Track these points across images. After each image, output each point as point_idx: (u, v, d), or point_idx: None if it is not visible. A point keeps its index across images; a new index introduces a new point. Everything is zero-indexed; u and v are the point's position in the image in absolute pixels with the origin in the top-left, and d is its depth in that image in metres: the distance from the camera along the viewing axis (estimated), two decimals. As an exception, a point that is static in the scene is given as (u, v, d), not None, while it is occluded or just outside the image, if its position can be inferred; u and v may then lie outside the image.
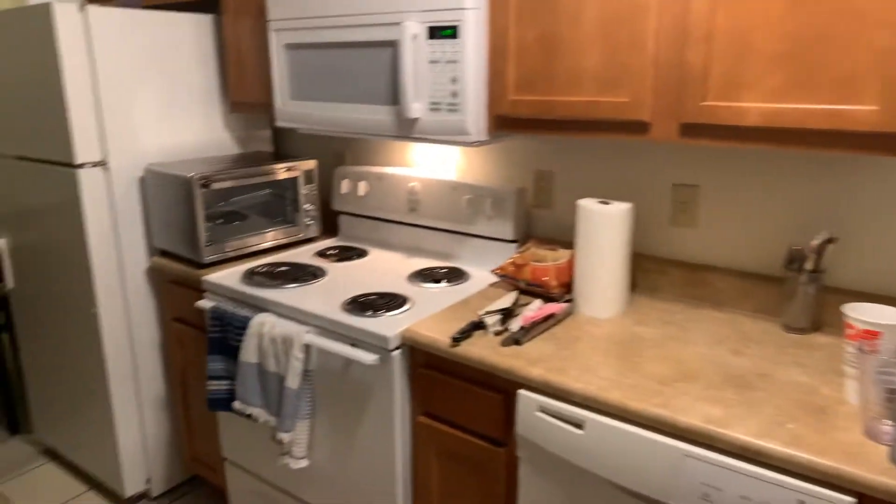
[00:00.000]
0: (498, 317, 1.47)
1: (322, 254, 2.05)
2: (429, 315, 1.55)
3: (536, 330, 1.43)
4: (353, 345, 1.53)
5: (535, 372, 1.27)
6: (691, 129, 1.31)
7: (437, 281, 1.78)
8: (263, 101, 2.06)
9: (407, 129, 1.66)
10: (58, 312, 2.19)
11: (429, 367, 1.47)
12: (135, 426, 2.16)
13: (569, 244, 1.81)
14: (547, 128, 1.50)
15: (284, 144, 2.52)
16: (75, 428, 2.31)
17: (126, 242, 2.03)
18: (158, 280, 2.13)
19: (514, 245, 1.84)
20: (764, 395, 1.19)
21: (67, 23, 1.83)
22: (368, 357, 1.46)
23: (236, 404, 1.71)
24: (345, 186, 2.17)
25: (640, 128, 1.37)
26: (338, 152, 2.35)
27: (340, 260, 2.00)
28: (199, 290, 1.93)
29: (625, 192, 1.72)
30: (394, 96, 1.66)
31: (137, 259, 2.07)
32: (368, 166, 2.17)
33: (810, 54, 1.15)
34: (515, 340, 1.38)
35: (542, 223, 1.89)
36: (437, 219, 1.98)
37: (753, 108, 1.21)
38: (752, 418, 1.11)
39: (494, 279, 1.79)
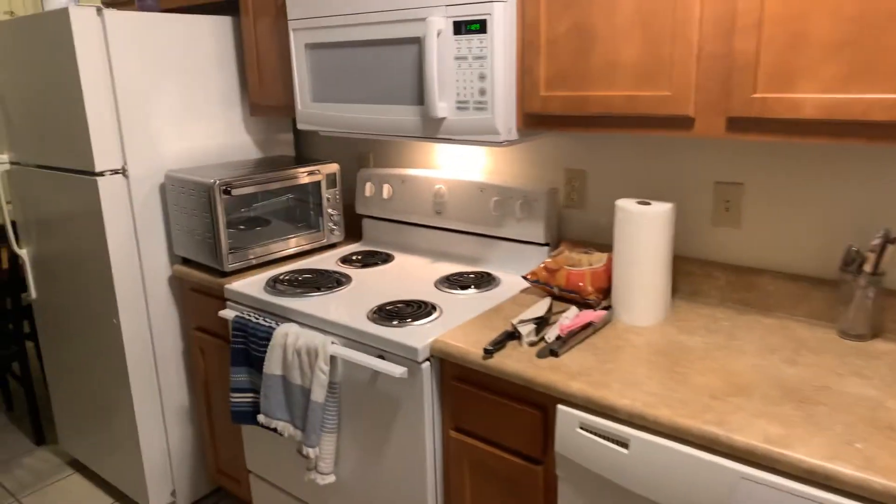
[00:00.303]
0: (532, 326, 1.39)
1: (346, 259, 1.99)
2: (459, 324, 1.47)
3: (574, 340, 1.35)
4: (380, 356, 1.46)
5: (576, 386, 1.19)
6: (740, 124, 1.21)
7: (466, 287, 1.71)
8: (284, 104, 2.00)
9: (433, 130, 1.59)
10: (80, 322, 2.16)
11: (460, 380, 1.40)
12: (158, 437, 2.12)
13: (604, 247, 1.72)
14: (581, 124, 1.41)
15: (306, 147, 2.46)
16: (99, 439, 2.29)
17: (147, 251, 2.00)
18: (180, 288, 2.09)
19: (545, 248, 1.76)
20: (826, 410, 1.09)
21: (84, 27, 1.79)
22: (397, 370, 1.39)
23: (261, 418, 1.66)
24: (368, 189, 2.11)
25: (683, 123, 1.28)
26: (361, 154, 2.29)
27: (365, 266, 1.93)
28: (221, 298, 1.88)
29: (663, 190, 1.63)
30: (418, 96, 1.59)
31: (159, 267, 2.03)
32: (392, 168, 2.10)
33: (873, 40, 1.05)
34: (552, 351, 1.30)
35: (574, 225, 1.80)
36: (464, 222, 1.91)
37: (809, 99, 1.12)
38: (816, 437, 1.01)
39: (526, 285, 1.71)
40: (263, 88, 2.06)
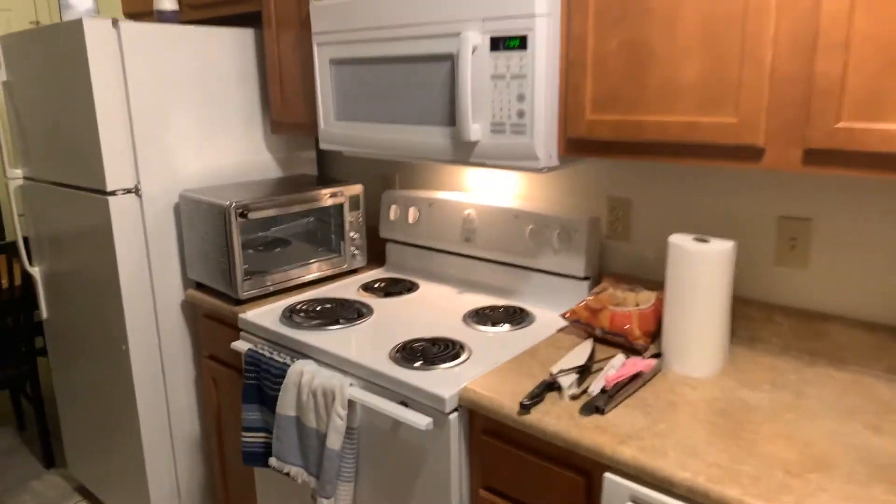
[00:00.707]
0: (574, 377, 1.25)
1: (368, 287, 1.86)
2: (491, 369, 1.33)
3: (621, 394, 1.20)
4: (403, 402, 1.32)
5: (627, 453, 1.04)
6: (819, 156, 1.06)
7: (497, 323, 1.57)
8: (307, 122, 1.89)
9: (465, 154, 1.46)
10: (89, 345, 2.06)
11: (492, 435, 1.25)
12: (167, 467, 2.01)
13: (651, 283, 1.57)
14: (631, 152, 1.27)
15: (329, 167, 2.35)
16: (106, 466, 2.18)
17: (159, 274, 1.89)
18: (193, 314, 1.98)
19: (585, 283, 1.61)
20: (925, 494, 0.93)
21: (98, 39, 1.70)
22: (422, 420, 1.25)
23: (273, 461, 1.53)
24: (393, 213, 1.99)
25: (751, 154, 1.13)
26: (386, 175, 2.17)
27: (388, 294, 1.80)
28: (235, 327, 1.76)
29: (718, 223, 1.48)
30: (450, 116, 1.46)
31: (171, 291, 1.92)
32: (419, 190, 1.97)
33: None
34: (597, 408, 1.16)
35: (617, 258, 1.65)
36: (495, 250, 1.77)
37: (906, 129, 0.97)
38: (919, 533, 0.85)
39: (563, 323, 1.57)
40: (286, 105, 1.95)
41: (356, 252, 1.98)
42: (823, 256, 1.35)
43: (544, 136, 1.33)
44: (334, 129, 1.73)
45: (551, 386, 1.24)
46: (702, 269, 1.25)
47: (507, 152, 1.38)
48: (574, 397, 1.21)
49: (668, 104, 1.19)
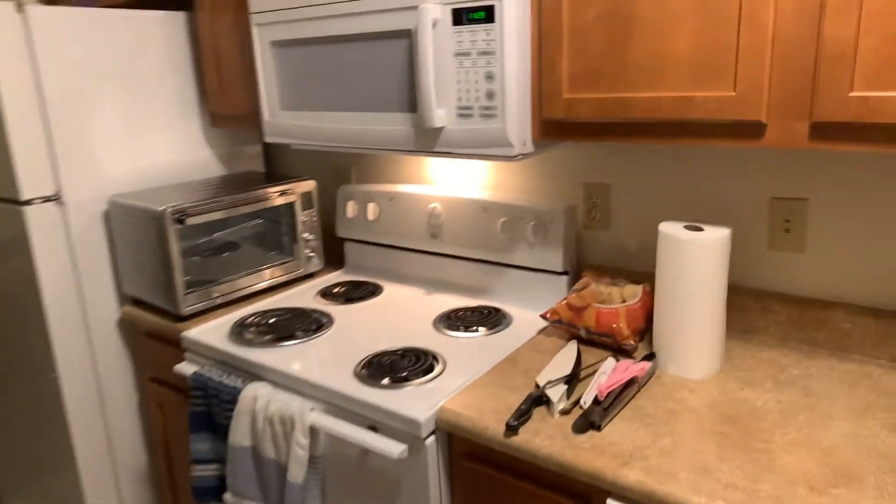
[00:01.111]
0: (563, 388, 1.11)
1: (327, 293, 1.70)
2: (469, 382, 1.19)
3: (616, 404, 1.08)
4: (372, 427, 1.17)
5: (632, 476, 0.92)
6: (828, 131, 0.95)
7: (471, 327, 1.43)
8: (249, 113, 1.70)
9: (429, 142, 1.30)
10: (12, 374, 1.84)
11: (475, 460, 1.12)
12: (110, 502, 1.81)
13: (634, 275, 1.45)
14: (616, 133, 1.14)
15: (277, 162, 2.16)
16: (43, 500, 1.97)
17: (91, 291, 1.68)
18: (132, 333, 1.78)
19: (563, 278, 1.49)
20: (965, 505, 0.83)
21: (1, 27, 1.48)
22: (395, 448, 1.11)
23: (228, 497, 1.36)
24: (350, 209, 1.82)
25: (751, 131, 1.01)
26: (340, 169, 2.00)
27: (349, 300, 1.64)
28: (179, 346, 1.57)
29: (704, 208, 1.36)
30: (411, 101, 1.30)
31: (105, 310, 1.72)
32: (378, 184, 1.81)
33: None
34: (592, 423, 1.03)
35: (595, 248, 1.53)
36: (464, 246, 1.62)
37: (927, 97, 0.86)
38: (971, 555, 0.75)
39: (543, 323, 1.44)
40: (225, 95, 1.76)
41: (311, 255, 1.81)
42: (821, 239, 1.25)
43: (517, 119, 1.19)
44: (280, 120, 1.55)
45: (539, 400, 1.10)
46: (697, 259, 1.13)
47: (477, 139, 1.23)
48: (565, 412, 1.08)
49: (656, 78, 1.06)
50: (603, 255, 1.52)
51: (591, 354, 1.28)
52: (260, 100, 1.57)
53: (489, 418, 1.07)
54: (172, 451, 1.75)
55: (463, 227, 1.61)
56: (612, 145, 1.45)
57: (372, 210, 1.77)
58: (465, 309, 1.53)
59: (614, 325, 1.26)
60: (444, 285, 1.69)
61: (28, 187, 1.56)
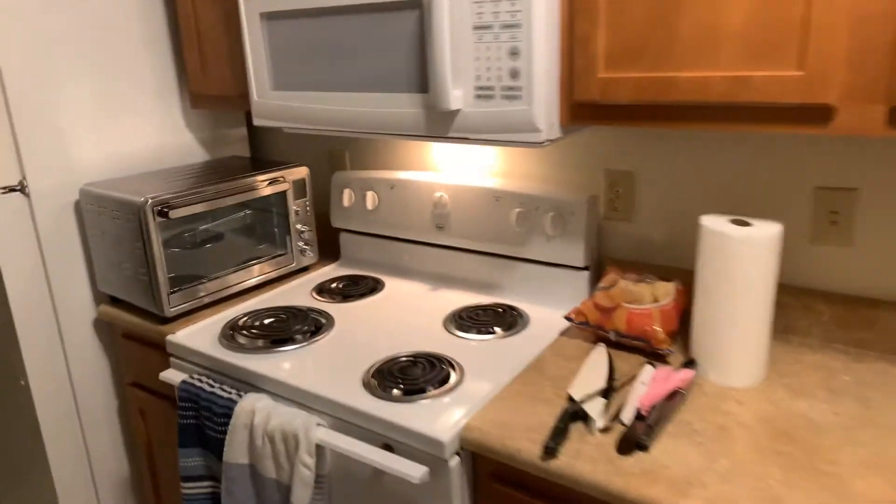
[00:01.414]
0: (602, 401, 1.01)
1: (323, 289, 1.57)
2: (493, 394, 1.08)
3: (661, 419, 0.97)
4: (386, 445, 1.05)
5: (692, 509, 0.81)
6: (909, 115, 0.84)
7: (486, 328, 1.31)
8: (235, 93, 1.55)
9: (442, 127, 1.17)
10: (-20, 382, 1.69)
11: (504, 482, 1.01)
12: (93, 518, 1.68)
13: (660, 270, 1.35)
14: (656, 118, 1.02)
15: (264, 146, 2.01)
16: (19, 518, 1.82)
17: (62, 290, 1.53)
18: (109, 334, 1.64)
19: (584, 273, 1.37)
20: None
21: (-50, -6, 1.31)
22: (415, 471, 0.99)
23: (223, 518, 1.24)
24: (347, 198, 1.68)
25: (817, 115, 0.90)
26: (334, 153, 1.85)
27: (347, 298, 1.51)
28: (162, 348, 1.44)
29: (738, 198, 1.26)
30: (421, 81, 1.17)
31: (79, 310, 1.57)
32: (376, 171, 1.67)
33: None
34: (638, 444, 0.92)
35: (616, 241, 1.42)
36: (473, 239, 1.50)
37: None
38: None
39: (563, 323, 1.33)
40: (207, 74, 1.60)
41: (305, 247, 1.67)
42: (871, 232, 1.15)
43: (545, 101, 1.06)
44: (271, 102, 1.40)
45: (575, 415, 0.99)
46: (745, 257, 1.03)
47: (498, 123, 1.11)
48: (605, 430, 0.97)
49: (707, 56, 0.94)
50: (624, 248, 1.41)
51: (621, 360, 1.17)
52: (248, 79, 1.42)
53: (521, 437, 0.96)
54: (157, 461, 1.62)
55: (472, 217, 1.49)
56: (638, 130, 1.33)
57: (371, 199, 1.64)
58: (477, 307, 1.42)
59: (648, 328, 1.15)
60: (451, 280, 1.57)
61: (-12, 176, 1.40)
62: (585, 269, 1.37)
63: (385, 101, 1.23)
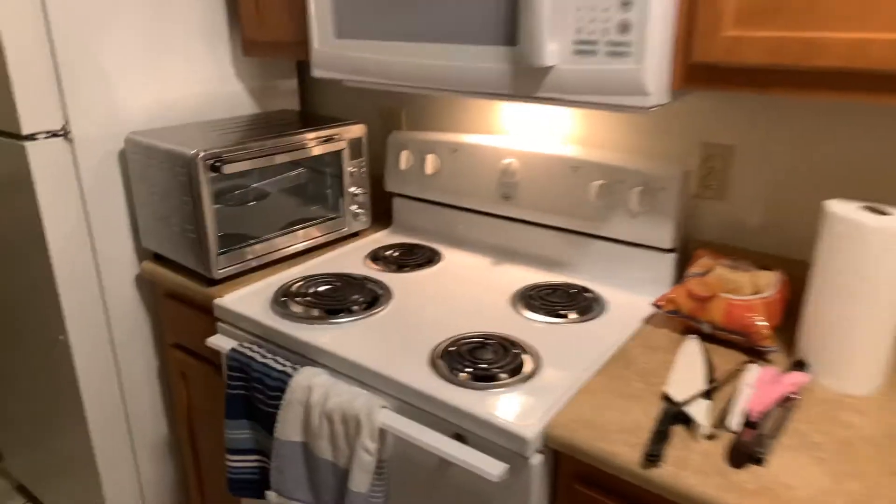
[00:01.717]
0: (706, 403, 0.90)
1: (377, 257, 1.47)
2: (577, 387, 0.98)
3: (776, 429, 0.86)
4: (458, 436, 0.96)
5: (827, 539, 0.71)
6: None
7: (558, 310, 1.20)
8: (292, 40, 1.43)
9: (530, 85, 1.04)
10: (17, 336, 1.63)
11: (589, 484, 0.91)
12: (128, 477, 1.63)
13: (754, 256, 1.22)
14: (793, 84, 0.88)
15: (313, 98, 1.89)
16: (58, 478, 1.79)
17: (104, 242, 1.45)
18: (152, 292, 1.56)
19: (669, 256, 1.25)
20: None
21: (-7, -84, 1.20)
22: (493, 468, 0.90)
23: (272, 496, 1.17)
24: (404, 160, 1.57)
25: None
26: (390, 111, 1.73)
27: (403, 268, 1.41)
28: (207, 311, 1.35)
29: (867, 182, 1.12)
30: (509, 32, 1.04)
31: (122, 264, 1.49)
32: (438, 132, 1.55)
33: None
34: (752, 456, 0.82)
35: (705, 222, 1.29)
36: (545, 211, 1.38)
37: None
38: None
39: (646, 310, 1.21)
40: (262, 18, 1.48)
41: (359, 211, 1.57)
42: None
43: (658, 60, 0.93)
44: (334, 51, 1.28)
45: (675, 418, 0.89)
46: (881, 250, 0.90)
47: (599, 83, 0.98)
48: (710, 436, 0.87)
49: (862, 14, 0.80)
50: (714, 230, 1.28)
51: (717, 355, 1.06)
52: (309, 25, 1.30)
53: (616, 439, 0.86)
54: (196, 427, 1.55)
55: (545, 188, 1.37)
56: (747, 97, 1.19)
57: (431, 163, 1.52)
58: (547, 287, 1.31)
59: (750, 322, 1.04)
60: (515, 255, 1.46)
61: (30, 119, 1.31)
62: (671, 251, 1.25)
63: (465, 54, 1.10)
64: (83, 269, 1.43)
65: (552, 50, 1.00)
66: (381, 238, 1.60)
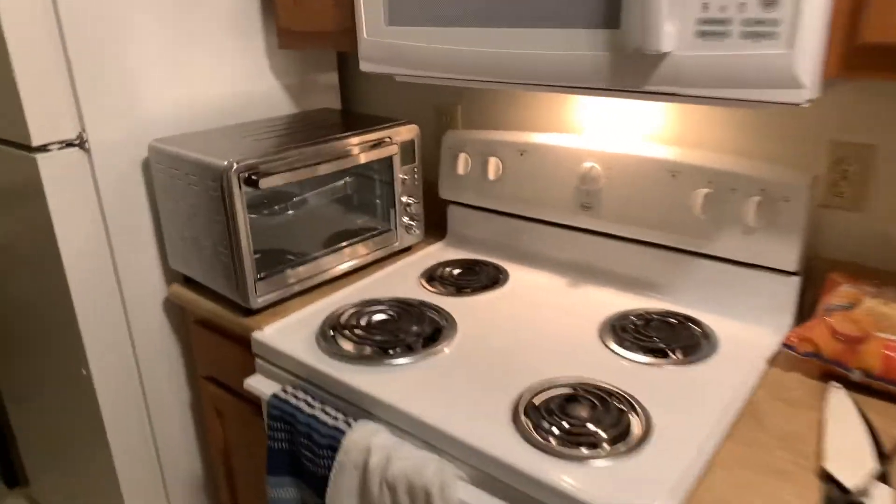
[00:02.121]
0: (887, 491, 0.69)
1: (433, 276, 1.28)
2: (703, 460, 0.77)
3: None
4: (556, 519, 0.77)
5: None
6: None
7: (658, 348, 1.00)
8: (336, 28, 1.24)
9: (639, 77, 0.84)
10: (39, 368, 1.48)
11: None
12: (161, 518, 1.48)
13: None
14: None
15: (355, 96, 1.70)
16: (77, 500, 1.65)
17: (127, 265, 1.29)
18: (181, 319, 1.40)
19: (793, 280, 1.04)
20: None
21: None
22: (610, 573, 0.71)
23: (321, 569, 0.99)
24: (462, 164, 1.37)
25: None
26: (442, 107, 1.53)
27: (463, 290, 1.22)
28: (243, 342, 1.18)
29: None
30: (610, 11, 0.83)
31: (148, 287, 1.33)
32: (501, 131, 1.35)
33: None
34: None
35: (835, 238, 1.07)
36: (634, 225, 1.17)
37: None
38: None
39: (769, 347, 1.00)
40: (300, 4, 1.30)
41: (412, 223, 1.38)
42: None
43: (814, 41, 0.72)
44: (386, 40, 1.09)
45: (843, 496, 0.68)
46: None
47: (732, 73, 0.77)
48: (903, 538, 0.66)
49: None
50: (846, 247, 1.06)
51: (873, 412, 0.85)
52: (357, 10, 1.11)
53: (774, 542, 0.66)
54: (234, 464, 1.39)
55: (635, 197, 1.16)
56: (886, 84, 0.97)
57: (493, 166, 1.32)
58: (640, 314, 1.10)
59: (919, 372, 0.82)
60: (596, 274, 1.25)
61: (41, 128, 1.14)
62: (795, 274, 1.03)
63: (555, 39, 0.90)
64: (105, 293, 1.28)
65: (669, 32, 0.79)
66: (436, 253, 1.41)
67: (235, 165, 1.06)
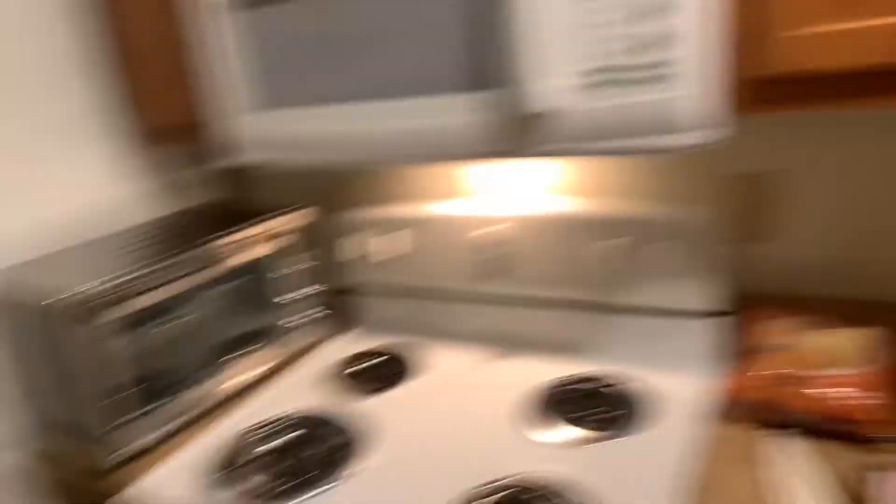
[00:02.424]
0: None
1: (341, 376, 1.14)
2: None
3: None
4: None
5: None
6: None
7: (595, 423, 0.91)
8: (192, 121, 1.12)
9: (527, 138, 0.77)
10: None
11: None
12: None
13: (828, 305, 0.97)
14: (876, 91, 0.64)
15: (248, 182, 1.57)
16: None
17: (-26, 421, 1.07)
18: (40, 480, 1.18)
19: (719, 321, 0.99)
20: None
21: None
22: None
23: None
24: (360, 245, 1.26)
25: None
26: (329, 187, 1.43)
27: (381, 386, 1.09)
28: None
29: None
30: (489, 73, 0.77)
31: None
32: (395, 205, 1.26)
33: None
34: None
35: (762, 269, 1.04)
36: (548, 284, 1.10)
37: None
38: None
39: (706, 399, 0.93)
40: (155, 96, 1.17)
41: (318, 314, 1.24)
42: None
43: (706, 80, 0.68)
44: (254, 127, 0.99)
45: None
46: None
47: (627, 123, 0.71)
48: None
49: None
50: (768, 278, 1.03)
51: (820, 455, 0.79)
52: (210, 100, 1.01)
53: None
54: None
55: (544, 256, 1.09)
56: (795, 115, 0.96)
57: (396, 243, 1.23)
58: (569, 384, 1.01)
59: (857, 406, 0.77)
60: (519, 343, 1.16)
61: None
62: (721, 313, 0.99)
63: (432, 108, 0.82)
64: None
65: (552, 87, 0.73)
66: (345, 346, 1.28)
67: (64, 298, 0.88)
